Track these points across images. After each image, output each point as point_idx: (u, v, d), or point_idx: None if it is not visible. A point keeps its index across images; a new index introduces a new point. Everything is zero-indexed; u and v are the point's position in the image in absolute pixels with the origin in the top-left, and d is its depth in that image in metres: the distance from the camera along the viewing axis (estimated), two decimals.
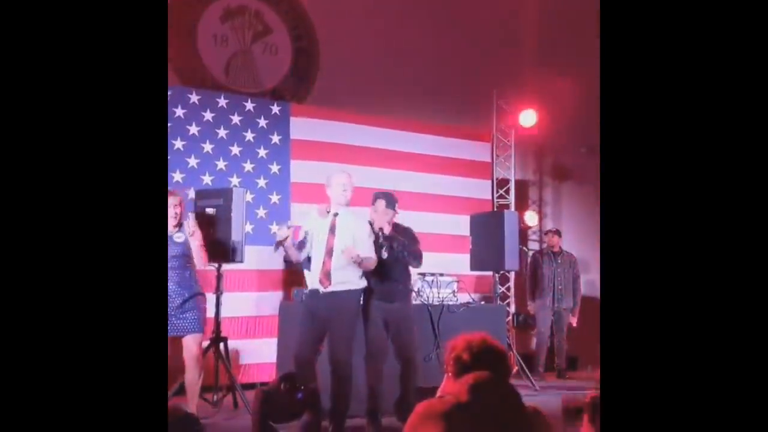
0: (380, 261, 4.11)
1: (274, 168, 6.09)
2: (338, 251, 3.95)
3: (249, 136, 6.05)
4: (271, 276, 5.83)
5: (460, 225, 6.51)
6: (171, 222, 4.04)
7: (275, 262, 5.77)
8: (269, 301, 5.64)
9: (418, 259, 4.26)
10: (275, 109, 6.25)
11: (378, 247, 4.10)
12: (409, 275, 4.39)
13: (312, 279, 4.00)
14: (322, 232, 4.03)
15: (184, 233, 4.08)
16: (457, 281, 5.40)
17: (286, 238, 3.88)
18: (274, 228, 4.17)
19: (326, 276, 3.95)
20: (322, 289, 3.92)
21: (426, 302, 5.14)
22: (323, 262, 3.96)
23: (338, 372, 3.83)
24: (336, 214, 4.04)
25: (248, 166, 5.97)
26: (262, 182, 6.01)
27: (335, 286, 3.94)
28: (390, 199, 4.25)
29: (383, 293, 4.21)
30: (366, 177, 5.89)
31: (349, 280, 3.97)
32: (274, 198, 6.03)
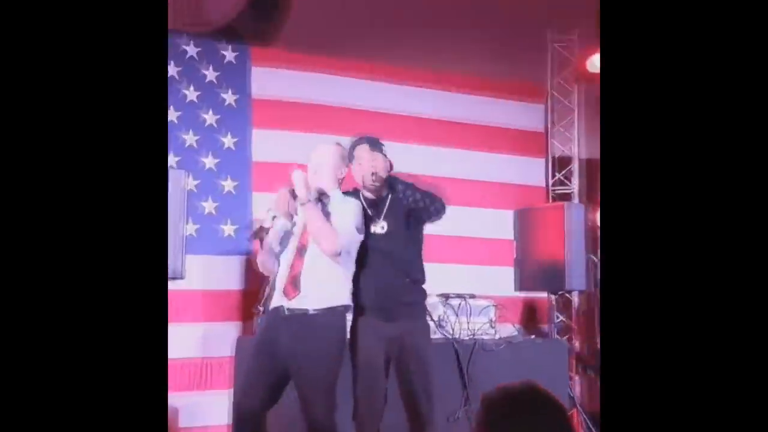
0: (373, 244, 4.05)
1: (228, 141, 6.05)
2: (315, 250, 3.94)
3: (190, 94, 6.04)
4: (223, 299, 5.82)
5: (500, 224, 6.50)
6: None
7: (230, 278, 5.80)
8: (222, 337, 5.68)
9: (441, 209, 4.15)
10: (228, 55, 6.19)
11: (371, 215, 4.07)
12: (423, 273, 4.25)
13: (276, 291, 4.00)
14: (298, 225, 4.06)
15: None
16: (496, 306, 5.46)
17: (269, 229, 3.93)
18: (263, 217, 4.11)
19: (293, 283, 3.93)
20: (286, 305, 3.89)
21: (450, 336, 5.15)
22: (291, 265, 3.95)
23: None
24: (317, 200, 4.09)
25: (189, 139, 5.92)
26: (209, 162, 5.97)
27: (306, 300, 3.90)
28: (373, 141, 4.22)
29: (381, 306, 4.10)
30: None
31: (327, 290, 3.93)
32: (228, 185, 6.00)
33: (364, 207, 4.06)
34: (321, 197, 4.01)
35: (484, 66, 6.99)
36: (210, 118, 6.07)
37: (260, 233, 3.94)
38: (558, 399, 1.98)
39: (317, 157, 4.08)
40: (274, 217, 3.92)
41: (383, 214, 4.08)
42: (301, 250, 3.99)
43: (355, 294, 4.05)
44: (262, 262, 4.08)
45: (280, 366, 3.88)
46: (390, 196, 4.08)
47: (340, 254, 3.90)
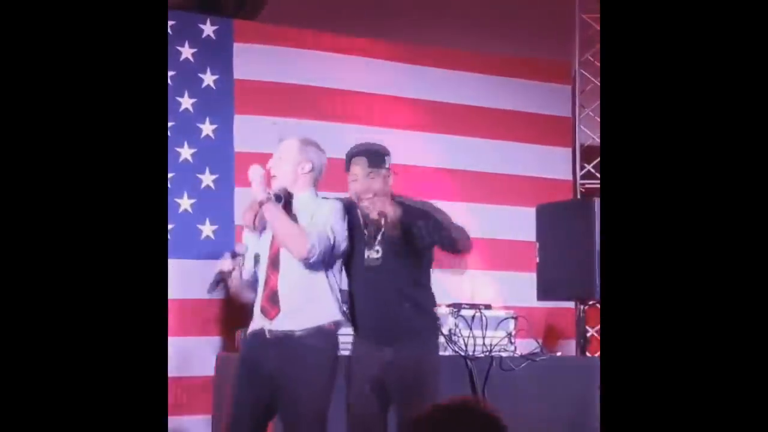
0: (367, 267, 3.99)
1: (207, 128, 5.71)
2: (289, 259, 3.84)
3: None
4: (201, 310, 5.54)
5: (520, 223, 6.28)
6: None
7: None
8: (200, 353, 5.49)
9: (461, 237, 3.99)
10: (207, 29, 5.83)
11: (371, 242, 4.00)
12: (429, 298, 4.16)
13: (255, 312, 3.93)
14: (266, 234, 3.97)
15: None
16: (515, 318, 5.13)
17: (232, 270, 3.87)
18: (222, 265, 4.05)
19: (270, 299, 3.86)
20: (267, 327, 3.81)
21: (463, 353, 4.84)
22: (266, 279, 3.88)
23: None
24: (280, 198, 3.95)
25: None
26: (185, 152, 5.62)
27: (289, 319, 3.81)
28: (373, 155, 4.06)
29: (376, 328, 4.01)
30: (346, 142, 5.34)
31: (311, 306, 3.84)
32: (207, 179, 5.68)
33: (360, 224, 3.99)
34: (285, 197, 3.91)
35: (501, 41, 6.79)
36: (186, 102, 5.72)
37: (217, 284, 3.96)
38: (499, 419, 2.02)
39: (277, 153, 4.01)
40: (235, 255, 3.91)
41: (378, 240, 4.01)
42: (274, 261, 3.89)
43: (353, 317, 4.07)
44: (237, 294, 4.08)
45: (265, 395, 3.85)
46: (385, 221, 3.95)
47: (311, 259, 3.76)
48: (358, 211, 3.99)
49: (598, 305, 6.46)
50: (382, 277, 3.98)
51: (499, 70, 6.71)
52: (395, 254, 3.94)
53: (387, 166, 4.04)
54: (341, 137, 5.73)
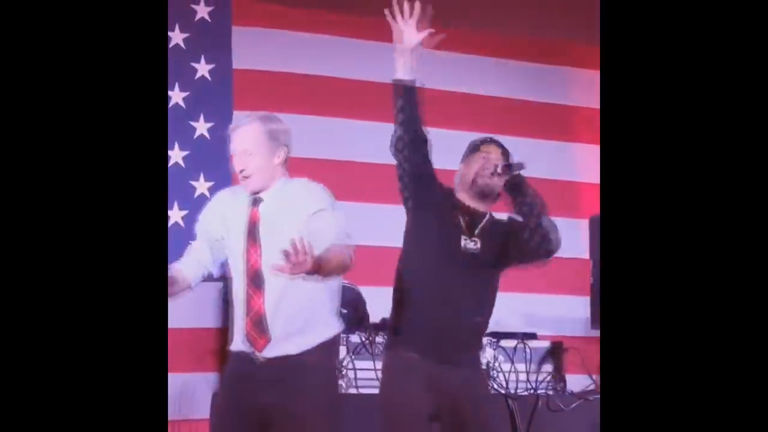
0: (454, 263, 3.61)
1: (200, 127, 5.38)
2: (276, 276, 3.42)
3: None
4: (193, 340, 5.18)
5: (569, 237, 5.54)
6: None
7: (203, 312, 5.08)
8: (190, 392, 5.10)
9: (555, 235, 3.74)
10: (202, 10, 5.46)
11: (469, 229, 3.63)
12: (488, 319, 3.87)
13: (236, 336, 3.56)
14: (237, 240, 3.51)
15: None
16: (565, 350, 4.84)
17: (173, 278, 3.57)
18: None
19: (257, 327, 3.45)
20: (258, 354, 3.47)
21: (504, 390, 4.65)
22: (247, 299, 3.44)
23: None
24: (256, 201, 3.49)
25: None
26: (175, 155, 5.35)
27: (284, 343, 3.43)
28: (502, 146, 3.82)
29: (437, 343, 3.58)
30: (378, 141, 4.96)
31: (312, 326, 3.47)
32: (201, 187, 5.38)
33: (459, 214, 3.64)
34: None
35: (521, 21, 6.24)
36: (177, 96, 5.37)
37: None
38: None
39: (238, 145, 3.51)
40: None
41: (478, 229, 3.63)
42: (254, 278, 3.44)
43: (400, 322, 3.65)
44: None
45: (258, 426, 3.50)
46: (488, 215, 3.71)
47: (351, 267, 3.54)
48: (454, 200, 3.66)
49: None
50: (469, 271, 3.58)
51: (508, 50, 6.31)
52: (491, 250, 3.61)
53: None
54: (358, 134, 5.71)
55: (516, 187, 3.63)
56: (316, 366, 3.44)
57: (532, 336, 4.80)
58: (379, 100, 5.30)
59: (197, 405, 5.00)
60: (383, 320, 4.57)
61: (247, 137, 3.45)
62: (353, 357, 4.54)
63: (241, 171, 3.41)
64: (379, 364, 4.30)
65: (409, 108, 3.60)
